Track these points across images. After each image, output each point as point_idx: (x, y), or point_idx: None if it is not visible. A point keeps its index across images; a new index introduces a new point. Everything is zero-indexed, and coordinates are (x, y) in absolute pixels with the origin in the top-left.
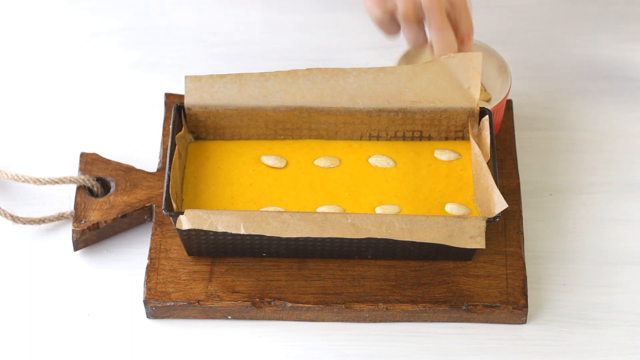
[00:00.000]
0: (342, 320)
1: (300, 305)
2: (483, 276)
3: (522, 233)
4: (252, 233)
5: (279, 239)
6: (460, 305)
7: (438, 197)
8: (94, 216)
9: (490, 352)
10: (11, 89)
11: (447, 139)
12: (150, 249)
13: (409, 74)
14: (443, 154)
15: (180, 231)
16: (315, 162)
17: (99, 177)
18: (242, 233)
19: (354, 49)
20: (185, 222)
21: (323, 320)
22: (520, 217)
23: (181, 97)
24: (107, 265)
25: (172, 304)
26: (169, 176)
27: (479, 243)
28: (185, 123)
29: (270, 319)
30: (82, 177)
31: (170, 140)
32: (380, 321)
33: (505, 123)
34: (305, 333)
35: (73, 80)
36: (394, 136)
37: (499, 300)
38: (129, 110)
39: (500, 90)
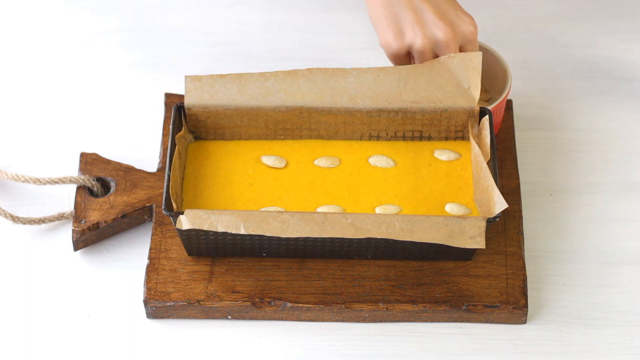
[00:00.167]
0: (342, 320)
1: (300, 305)
2: (483, 276)
3: (522, 233)
4: (252, 233)
5: (279, 239)
6: (460, 305)
7: (438, 197)
8: (94, 216)
9: (490, 352)
10: (11, 89)
11: (447, 139)
12: (150, 249)
13: (409, 74)
14: (443, 154)
15: (180, 231)
16: (315, 162)
17: (99, 177)
18: (242, 233)
19: (354, 49)
20: (185, 222)
21: (323, 320)
22: (520, 217)
23: (181, 97)
24: (107, 265)
25: (172, 304)
26: (169, 176)
27: (479, 243)
28: (185, 123)
29: (270, 319)
30: (82, 177)
31: (170, 140)
32: (380, 321)
33: (505, 123)
34: (305, 333)
35: (73, 80)
36: (394, 136)
37: (499, 300)
38: (129, 110)
39: (500, 90)
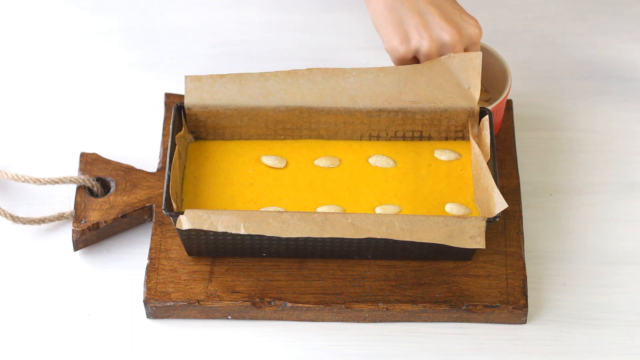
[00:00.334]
0: (342, 320)
1: (300, 305)
2: (483, 276)
3: (522, 233)
4: (252, 233)
5: (279, 239)
6: (460, 305)
7: (438, 197)
8: (94, 216)
9: (490, 352)
10: (11, 89)
11: (447, 139)
12: (150, 249)
13: (409, 74)
14: (443, 154)
15: (180, 231)
16: (315, 162)
17: (99, 177)
18: (242, 233)
19: (354, 49)
20: (185, 222)
21: (323, 320)
22: (520, 217)
23: (181, 97)
24: (107, 265)
25: (172, 304)
26: (169, 176)
27: (479, 243)
28: (185, 123)
29: (270, 319)
30: (82, 177)
31: (170, 140)
32: (380, 321)
33: (505, 123)
34: (305, 333)
35: (73, 80)
36: (394, 136)
37: (499, 300)
38: (129, 110)
39: (500, 90)
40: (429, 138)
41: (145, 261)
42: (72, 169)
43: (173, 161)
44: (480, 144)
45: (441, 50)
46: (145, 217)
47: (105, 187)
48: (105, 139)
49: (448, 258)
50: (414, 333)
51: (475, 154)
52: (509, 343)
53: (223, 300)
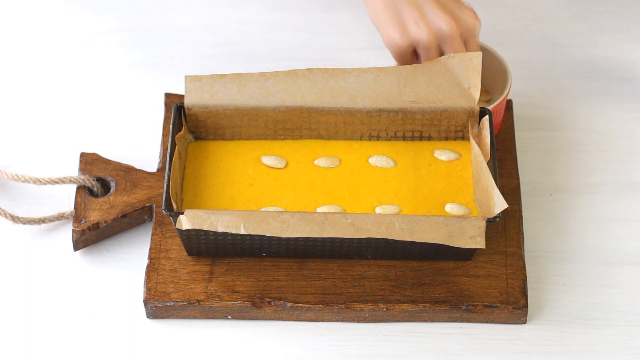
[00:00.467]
0: (342, 320)
1: (300, 305)
2: (483, 276)
3: (522, 233)
4: (252, 233)
5: (279, 239)
6: (460, 305)
7: (438, 197)
8: (94, 216)
9: (490, 352)
10: (11, 89)
11: (447, 139)
12: (150, 249)
13: (409, 74)
14: (443, 154)
15: (180, 231)
16: (315, 162)
17: (99, 177)
18: (242, 233)
19: (354, 49)
20: (185, 222)
21: (323, 320)
22: (520, 217)
23: (181, 97)
24: (107, 265)
25: (172, 304)
26: (169, 176)
27: (479, 243)
28: (185, 123)
29: (270, 319)
30: (82, 177)
31: (170, 140)
32: (380, 321)
33: (505, 123)
34: (305, 333)
35: (73, 80)
36: (394, 136)
37: (499, 300)
38: (129, 110)
39: (500, 90)
40: (429, 138)
41: (145, 261)
42: (72, 169)
43: (173, 161)
44: (480, 144)
45: (440, 42)
46: (145, 217)
47: (105, 187)
48: (105, 139)
49: (448, 258)
50: (414, 333)
51: (475, 154)
52: (509, 343)
53: (223, 300)
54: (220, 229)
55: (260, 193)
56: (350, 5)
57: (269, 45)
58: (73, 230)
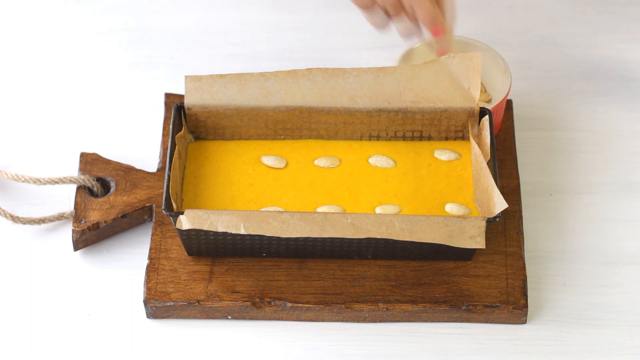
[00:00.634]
0: (342, 320)
1: (300, 305)
2: (483, 276)
3: (522, 233)
4: (252, 233)
5: (279, 239)
6: (460, 305)
7: (438, 197)
8: (94, 216)
9: (490, 352)
10: (11, 89)
11: (447, 139)
12: (150, 249)
13: (409, 74)
14: (443, 154)
15: (180, 231)
16: (315, 162)
17: (99, 177)
18: (242, 233)
19: (354, 49)
20: (185, 222)
21: (323, 320)
22: (520, 217)
23: (181, 97)
24: (107, 265)
25: (172, 304)
26: (169, 176)
27: (479, 243)
28: (185, 123)
29: (270, 319)
30: (82, 177)
31: (170, 140)
32: (380, 321)
33: (505, 123)
34: (305, 333)
35: (73, 80)
36: (394, 136)
37: (499, 300)
38: (129, 110)
39: (500, 90)
40: (429, 138)
41: (145, 261)
42: (72, 169)
43: (173, 161)
44: (480, 144)
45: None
46: (145, 217)
47: (105, 187)
48: (105, 139)
49: (448, 258)
50: (414, 333)
51: (475, 154)
52: (509, 343)
53: (223, 300)
54: (220, 229)
55: (260, 193)
56: (350, 5)
57: (269, 45)
58: (73, 230)
